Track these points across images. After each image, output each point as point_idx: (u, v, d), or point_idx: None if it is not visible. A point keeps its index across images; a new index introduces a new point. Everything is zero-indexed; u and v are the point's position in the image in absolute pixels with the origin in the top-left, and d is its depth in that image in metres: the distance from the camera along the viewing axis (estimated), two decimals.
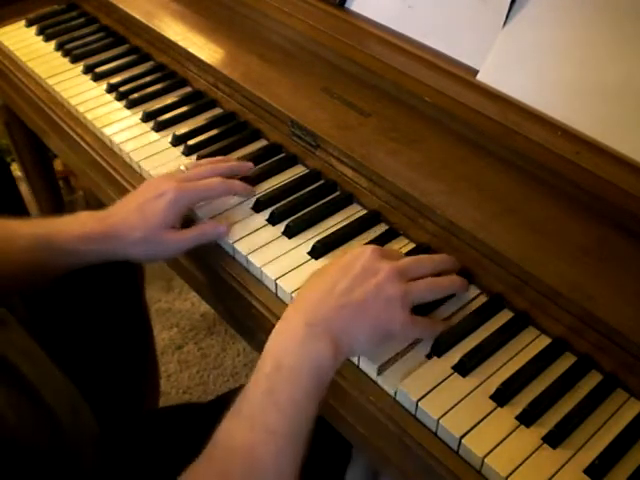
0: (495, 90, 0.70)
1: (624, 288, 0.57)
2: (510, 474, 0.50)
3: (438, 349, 0.58)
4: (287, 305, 0.63)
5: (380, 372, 0.57)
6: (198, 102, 0.90)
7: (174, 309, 1.59)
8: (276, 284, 0.65)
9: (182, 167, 0.74)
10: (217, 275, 0.71)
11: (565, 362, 0.58)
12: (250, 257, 0.68)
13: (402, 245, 0.69)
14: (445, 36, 0.75)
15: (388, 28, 0.80)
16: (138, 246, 0.66)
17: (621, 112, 0.62)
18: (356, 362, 0.59)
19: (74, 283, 0.81)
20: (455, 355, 0.58)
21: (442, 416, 0.53)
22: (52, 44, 1.03)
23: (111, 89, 0.93)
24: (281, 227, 0.71)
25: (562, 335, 0.59)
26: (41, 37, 1.05)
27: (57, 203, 1.39)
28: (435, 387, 0.56)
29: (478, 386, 0.56)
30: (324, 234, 0.70)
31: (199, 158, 0.80)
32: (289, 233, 0.70)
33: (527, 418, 0.53)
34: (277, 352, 0.52)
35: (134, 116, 0.88)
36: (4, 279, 0.65)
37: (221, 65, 0.87)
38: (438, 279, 0.60)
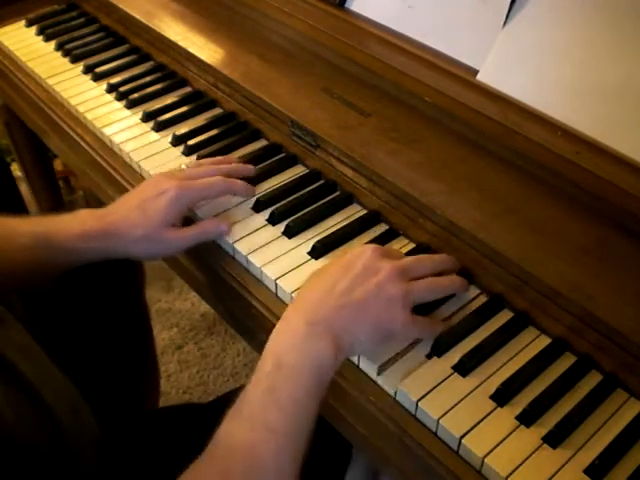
0: (495, 90, 0.70)
1: (624, 288, 0.57)
2: (510, 474, 0.50)
3: (438, 349, 0.58)
4: (287, 305, 0.63)
5: (380, 372, 0.57)
6: (198, 102, 0.90)
7: (174, 309, 1.59)
8: (276, 284, 0.65)
9: (183, 166, 0.74)
10: (217, 275, 0.71)
11: (565, 362, 0.58)
12: (250, 257, 0.68)
13: (402, 245, 0.69)
14: (445, 36, 0.75)
15: (388, 28, 0.80)
16: (139, 244, 0.66)
17: (621, 112, 0.62)
18: (356, 362, 0.59)
19: (74, 282, 0.81)
20: (455, 355, 0.58)
21: (442, 416, 0.53)
22: (52, 44, 1.03)
23: (111, 89, 0.93)
24: (281, 227, 0.71)
25: (562, 335, 0.59)
26: (41, 37, 1.05)
27: (57, 203, 1.39)
28: (435, 387, 0.56)
29: (478, 386, 0.56)
30: (324, 234, 0.70)
31: (199, 158, 0.80)
32: (289, 233, 0.70)
33: (527, 418, 0.53)
34: (278, 351, 0.52)
35: (134, 116, 0.88)
36: (3, 277, 0.65)
37: (221, 65, 0.87)
38: (438, 279, 0.60)
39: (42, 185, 1.35)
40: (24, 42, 1.04)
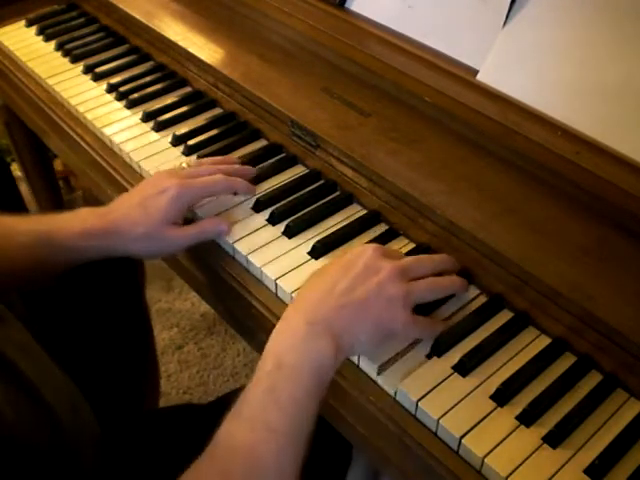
0: (495, 90, 0.70)
1: (624, 288, 0.57)
2: (510, 474, 0.50)
3: (438, 349, 0.58)
4: (287, 305, 0.63)
5: (380, 372, 0.57)
6: (198, 102, 0.90)
7: (174, 309, 1.59)
8: (276, 284, 0.65)
9: (184, 164, 0.74)
10: (217, 275, 0.71)
11: (565, 362, 0.58)
12: (250, 257, 0.68)
13: (402, 245, 0.69)
14: (445, 36, 0.75)
15: (388, 28, 0.80)
16: (139, 242, 0.66)
17: (621, 112, 0.62)
18: (356, 362, 0.59)
19: (74, 281, 0.81)
20: (455, 355, 0.58)
21: (442, 416, 0.53)
22: (52, 44, 1.03)
23: (111, 89, 0.93)
24: (281, 227, 0.71)
25: (562, 335, 0.59)
26: (41, 37, 1.05)
27: (57, 203, 1.39)
28: (435, 387, 0.56)
29: (478, 386, 0.56)
30: (324, 234, 0.70)
31: (199, 158, 0.80)
32: (289, 233, 0.70)
33: (527, 418, 0.53)
34: (278, 351, 0.52)
35: (134, 116, 0.88)
36: (2, 276, 0.65)
37: (221, 65, 0.87)
38: (438, 279, 0.60)
39: (42, 185, 1.35)
40: (24, 42, 1.04)
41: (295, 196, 0.75)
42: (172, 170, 0.72)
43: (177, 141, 0.83)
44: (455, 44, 0.74)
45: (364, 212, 0.73)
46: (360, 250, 0.58)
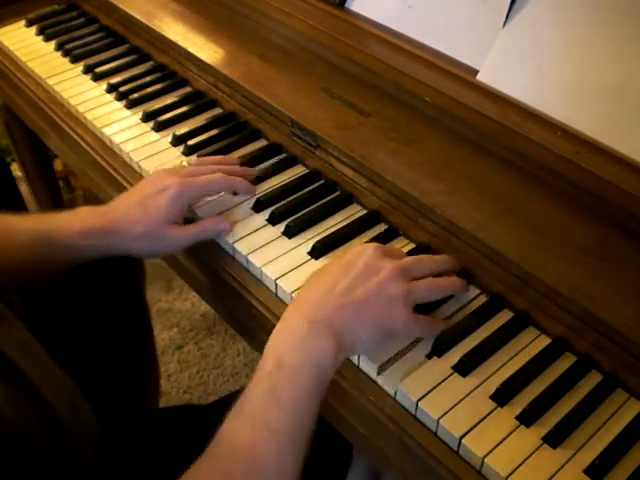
0: (495, 90, 0.70)
1: (624, 288, 0.57)
2: (510, 474, 0.50)
3: (438, 349, 0.58)
4: (287, 305, 0.63)
5: (380, 372, 0.57)
6: (198, 102, 0.90)
7: (174, 309, 1.59)
8: (276, 284, 0.65)
9: (184, 163, 0.74)
10: (217, 275, 0.71)
11: (565, 362, 0.58)
12: (250, 257, 0.68)
13: (402, 245, 0.69)
14: (445, 36, 0.75)
15: (388, 28, 0.80)
16: (140, 241, 0.66)
17: (621, 112, 0.62)
18: (356, 362, 0.59)
19: (74, 280, 0.81)
20: (455, 355, 0.58)
21: (442, 416, 0.53)
22: (52, 44, 1.03)
23: (111, 89, 0.93)
24: (281, 227, 0.71)
25: (562, 335, 0.59)
26: (41, 37, 1.05)
27: (57, 203, 1.39)
28: (435, 387, 0.56)
29: (478, 386, 0.56)
30: (324, 234, 0.70)
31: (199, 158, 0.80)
32: (289, 233, 0.70)
33: (527, 418, 0.53)
34: (278, 351, 0.52)
35: (134, 116, 0.88)
36: (2, 275, 0.65)
37: (221, 65, 0.87)
38: (438, 279, 0.60)
39: (42, 185, 1.35)
40: (24, 42, 1.04)
41: (295, 196, 0.75)
42: (172, 169, 0.72)
43: (177, 141, 0.83)
44: (455, 44, 0.74)
45: (364, 212, 0.73)
46: (360, 250, 0.58)
